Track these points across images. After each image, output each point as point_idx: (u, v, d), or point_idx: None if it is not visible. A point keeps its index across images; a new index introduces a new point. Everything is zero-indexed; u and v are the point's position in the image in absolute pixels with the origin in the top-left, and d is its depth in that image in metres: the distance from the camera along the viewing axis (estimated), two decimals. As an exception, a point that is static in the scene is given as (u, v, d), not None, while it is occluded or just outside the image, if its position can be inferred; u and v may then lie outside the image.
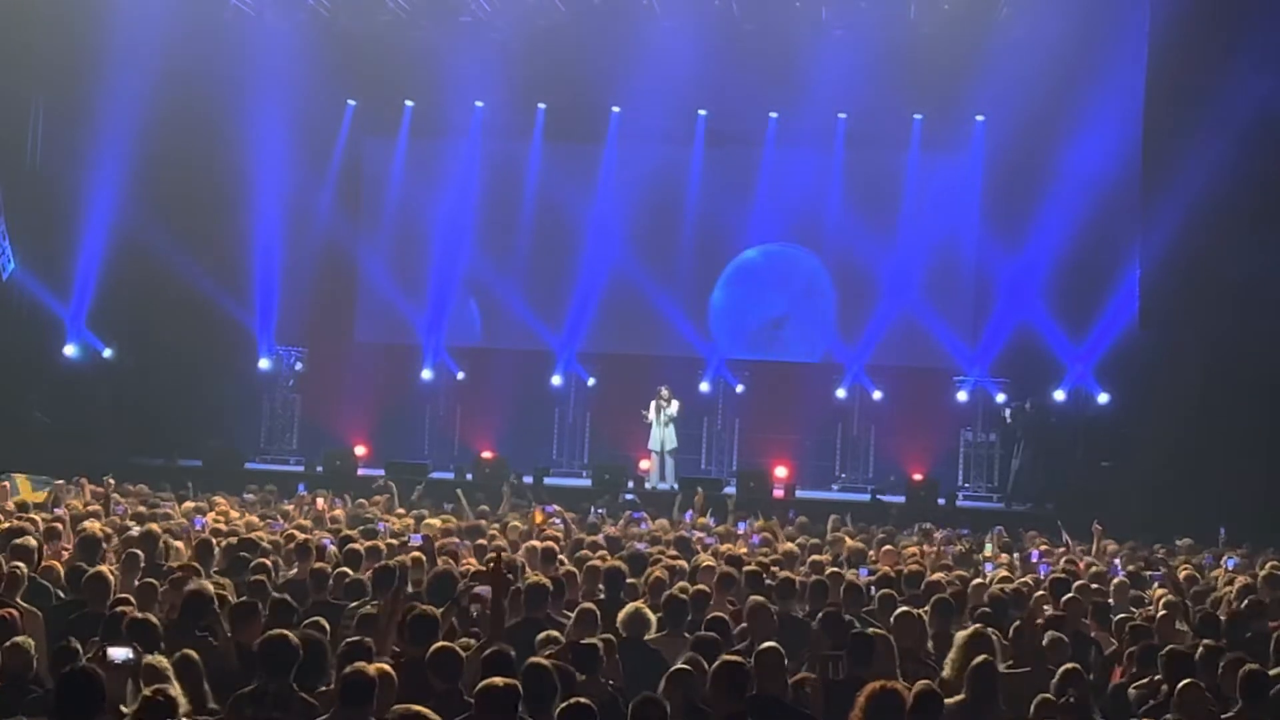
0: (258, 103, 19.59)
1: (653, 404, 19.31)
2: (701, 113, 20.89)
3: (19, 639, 5.97)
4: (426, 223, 21.34)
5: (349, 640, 6.26)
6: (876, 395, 20.57)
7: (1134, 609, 9.13)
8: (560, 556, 9.81)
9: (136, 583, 7.87)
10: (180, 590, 7.11)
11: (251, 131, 19.72)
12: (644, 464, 19.58)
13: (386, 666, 5.85)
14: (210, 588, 7.01)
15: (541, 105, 21.01)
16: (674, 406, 19.35)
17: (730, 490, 16.68)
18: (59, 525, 10.04)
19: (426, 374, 21.13)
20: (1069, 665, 6.60)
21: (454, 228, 21.29)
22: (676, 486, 18.59)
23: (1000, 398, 20.09)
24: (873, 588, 8.98)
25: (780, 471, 19.78)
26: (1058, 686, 6.36)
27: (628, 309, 20.89)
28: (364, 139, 21.64)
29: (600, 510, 14.92)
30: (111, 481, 12.96)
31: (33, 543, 8.47)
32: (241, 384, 21.08)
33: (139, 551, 8.69)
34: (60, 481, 13.35)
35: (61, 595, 7.87)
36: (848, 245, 20.69)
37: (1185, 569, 11.07)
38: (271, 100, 19.63)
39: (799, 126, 20.51)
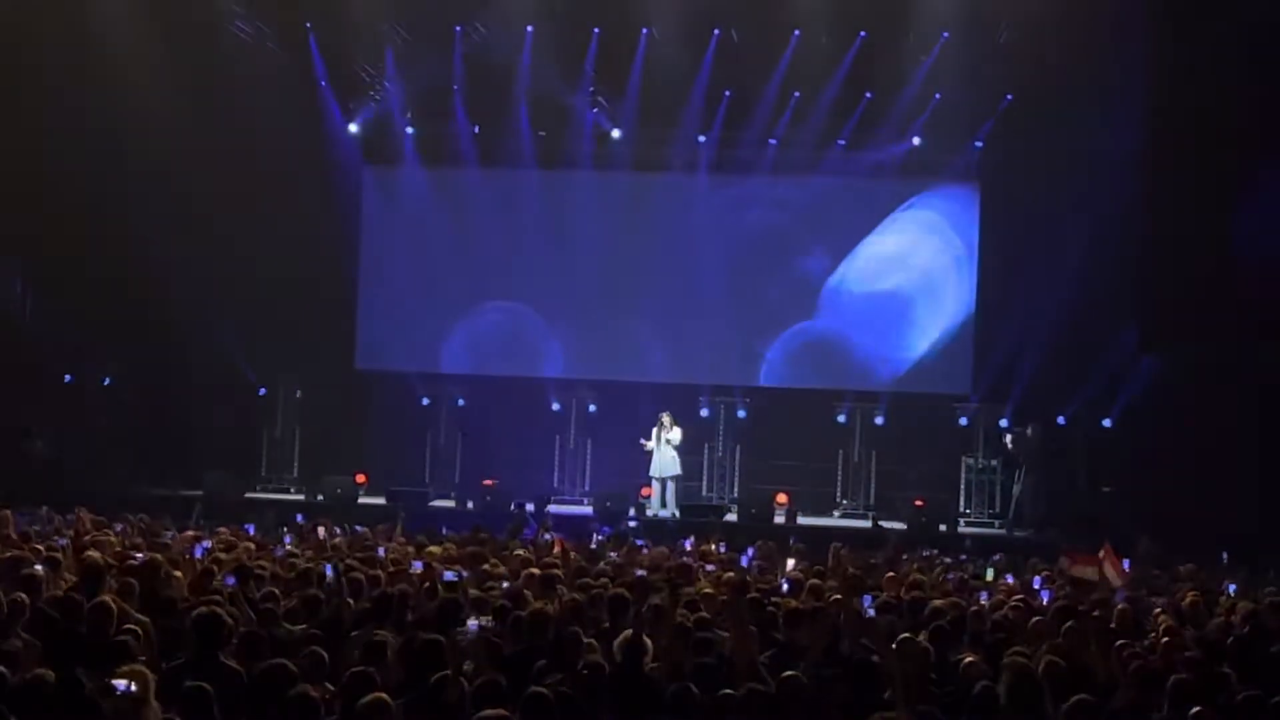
0: (257, 123, 19.65)
1: (654, 431, 19.32)
2: (702, 139, 20.94)
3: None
4: (427, 250, 21.45)
5: (353, 671, 6.27)
6: (878, 420, 20.56)
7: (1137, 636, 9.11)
8: (561, 586, 9.81)
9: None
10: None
11: (250, 154, 19.80)
12: (645, 491, 19.60)
13: (385, 697, 5.86)
14: (221, 613, 7.00)
15: (541, 132, 21.03)
16: (676, 434, 19.39)
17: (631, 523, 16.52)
18: (59, 555, 10.03)
19: (425, 401, 21.18)
20: (1079, 698, 6.55)
21: (455, 255, 21.41)
22: (678, 514, 18.65)
23: (1002, 423, 20.04)
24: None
25: (781, 498, 19.82)
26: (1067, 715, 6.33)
27: (631, 336, 21.05)
28: (364, 166, 21.62)
29: (603, 535, 14.97)
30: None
31: (39, 572, 8.47)
32: (241, 412, 21.12)
33: (134, 581, 8.68)
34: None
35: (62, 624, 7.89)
36: (845, 268, 20.77)
37: (1189, 595, 11.07)
38: (271, 123, 19.71)
39: (794, 154, 20.67)
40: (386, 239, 21.65)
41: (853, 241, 21.08)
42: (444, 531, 14.53)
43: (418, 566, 10.57)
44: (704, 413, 20.92)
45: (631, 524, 16.99)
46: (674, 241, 21.24)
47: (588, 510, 18.97)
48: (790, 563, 12.17)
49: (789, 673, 6.58)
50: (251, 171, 19.88)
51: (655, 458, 19.43)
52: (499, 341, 21.58)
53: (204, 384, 20.67)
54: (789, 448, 20.84)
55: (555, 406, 21.08)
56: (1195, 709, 6.32)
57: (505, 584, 10.03)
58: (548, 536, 13.47)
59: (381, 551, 11.66)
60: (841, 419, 20.78)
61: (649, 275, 21.21)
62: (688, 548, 14.20)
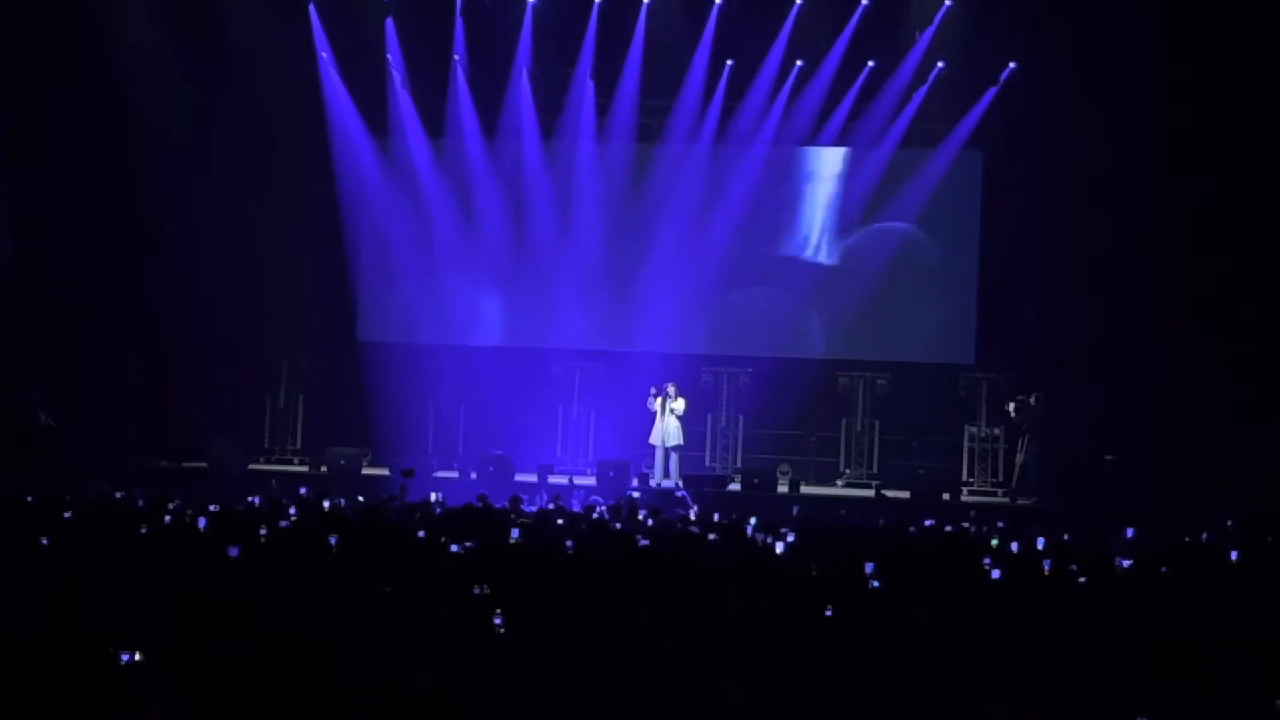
0: (258, 93, 19.65)
1: (658, 400, 19.28)
2: (703, 108, 20.93)
3: None
4: (429, 221, 21.44)
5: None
6: (880, 382, 20.52)
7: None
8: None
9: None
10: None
11: (251, 124, 19.82)
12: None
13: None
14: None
15: (543, 102, 21.07)
16: (680, 404, 19.36)
17: (635, 494, 16.64)
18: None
19: (430, 372, 21.22)
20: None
21: (457, 226, 21.41)
22: (680, 484, 18.65)
23: (1004, 391, 20.03)
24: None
25: (784, 468, 19.81)
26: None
27: (634, 306, 21.09)
28: (366, 136, 21.56)
29: (598, 500, 15.10)
30: None
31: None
32: (243, 383, 21.10)
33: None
34: None
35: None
36: (849, 238, 20.79)
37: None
38: (272, 94, 19.67)
39: (796, 123, 20.69)
40: (388, 210, 21.57)
41: (856, 210, 21.01)
42: (440, 499, 14.59)
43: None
44: (706, 383, 20.90)
45: (634, 494, 16.90)
46: (676, 211, 21.18)
47: (591, 482, 18.93)
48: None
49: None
50: (253, 141, 19.83)
51: (658, 426, 19.41)
52: (502, 312, 21.62)
53: (207, 353, 20.66)
54: (792, 418, 20.82)
55: (558, 377, 21.07)
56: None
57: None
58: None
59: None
60: (845, 388, 20.76)
61: (652, 245, 21.18)
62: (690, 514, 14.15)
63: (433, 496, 14.94)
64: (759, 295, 21.24)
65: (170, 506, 12.61)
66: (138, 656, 5.71)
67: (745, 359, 21.11)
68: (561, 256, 21.37)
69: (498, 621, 7.28)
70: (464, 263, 21.60)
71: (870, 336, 20.99)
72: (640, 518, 13.86)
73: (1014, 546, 11.91)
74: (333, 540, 9.89)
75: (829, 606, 7.98)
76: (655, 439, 19.50)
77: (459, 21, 20.42)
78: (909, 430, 20.75)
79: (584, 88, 20.83)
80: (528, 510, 14.03)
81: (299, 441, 21.33)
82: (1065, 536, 13.22)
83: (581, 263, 21.36)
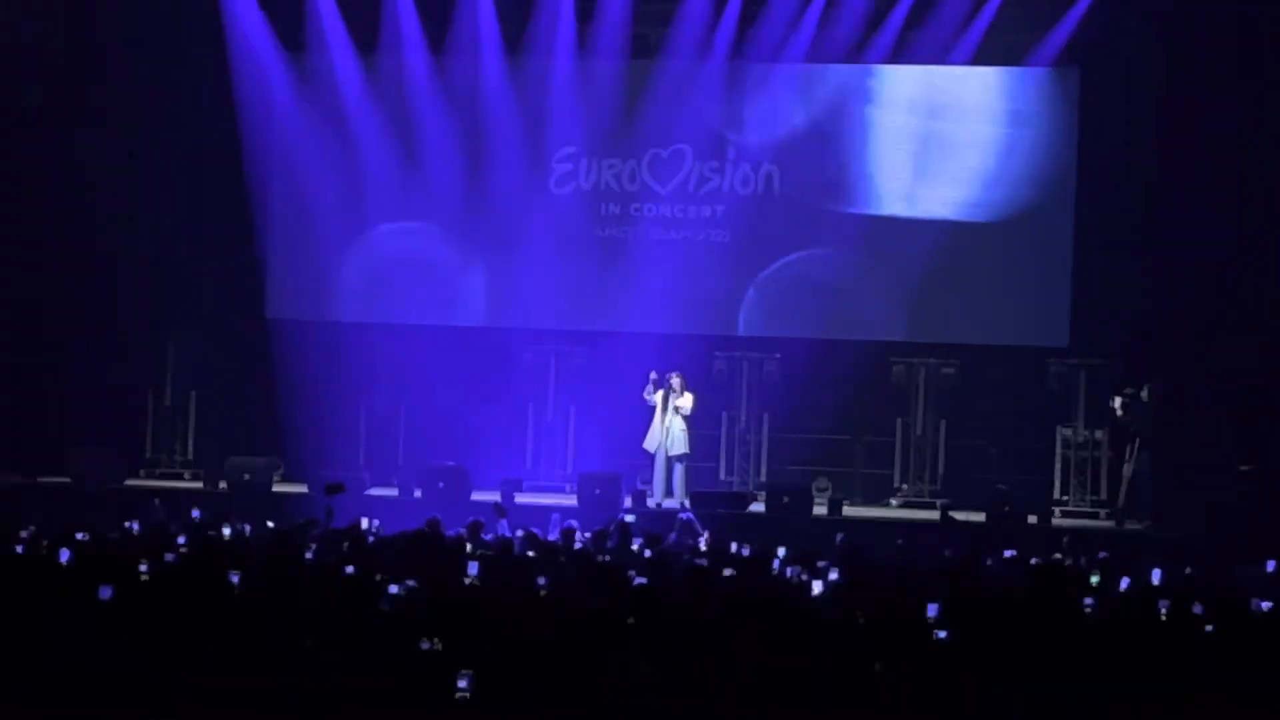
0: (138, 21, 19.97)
1: (659, 393, 19.31)
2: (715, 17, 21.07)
3: None
4: (360, 166, 21.58)
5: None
6: (947, 371, 20.62)
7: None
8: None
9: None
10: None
11: (129, 60, 20.30)
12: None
13: None
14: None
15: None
16: (687, 401, 19.39)
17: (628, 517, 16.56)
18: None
19: (359, 359, 21.31)
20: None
21: (398, 172, 21.56)
22: (686, 504, 18.70)
23: (1108, 383, 20.05)
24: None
25: (821, 483, 19.93)
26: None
27: (627, 273, 21.25)
28: (277, 55, 21.66)
29: (572, 524, 15.08)
30: None
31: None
32: (117, 377, 21.17)
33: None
34: None
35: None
36: (907, 182, 20.98)
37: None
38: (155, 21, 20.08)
39: (834, 35, 20.89)
40: (306, 150, 21.63)
41: (911, 149, 21.06)
42: (375, 527, 14.59)
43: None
44: (721, 372, 20.93)
45: (627, 517, 16.87)
46: (680, 148, 21.28)
47: (571, 502, 19.01)
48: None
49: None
50: (132, 75, 20.32)
51: (657, 428, 19.44)
52: (455, 281, 21.73)
53: (73, 341, 20.77)
54: (833, 417, 20.89)
55: (528, 365, 21.19)
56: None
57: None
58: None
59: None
60: (901, 379, 20.79)
61: (649, 193, 21.35)
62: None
63: (365, 522, 14.97)
64: (790, 258, 21.28)
65: (23, 535, 12.54)
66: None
67: (772, 341, 21.16)
68: (532, 207, 21.43)
69: (463, 685, 7.29)
70: (404, 216, 21.68)
71: (935, 312, 21.06)
72: (635, 548, 13.92)
73: (1122, 584, 11.93)
74: (234, 579, 9.87)
75: (880, 664, 7.98)
76: (653, 444, 19.51)
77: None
78: (984, 433, 20.78)
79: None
80: (489, 539, 14.06)
81: (189, 450, 21.35)
82: (1187, 570, 13.23)
83: (558, 216, 21.46)
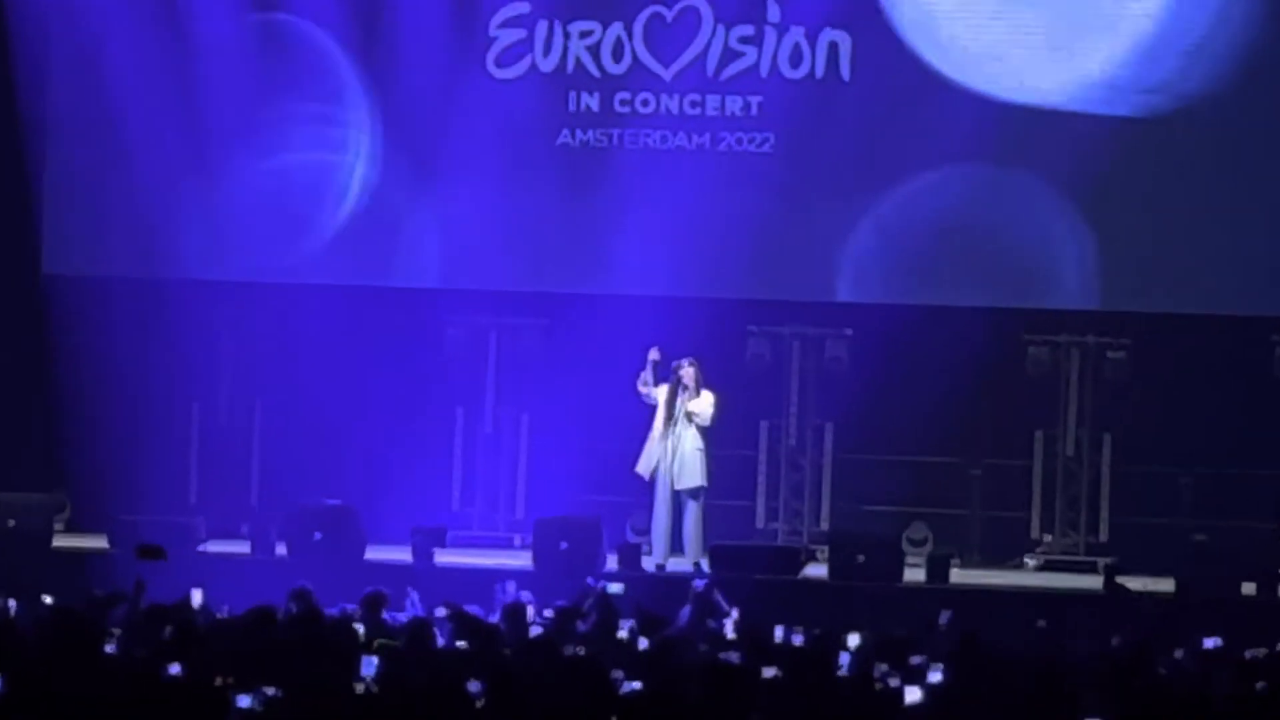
0: None
1: (661, 389, 19.13)
2: None
3: None
4: (187, 40, 21.75)
5: None
6: (1114, 355, 20.60)
7: None
8: None
9: None
10: None
11: None
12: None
13: None
14: None
15: None
16: (704, 404, 19.24)
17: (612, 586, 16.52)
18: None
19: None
20: None
21: (247, 45, 21.81)
22: (706, 565, 18.69)
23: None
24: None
25: (918, 531, 20.09)
26: None
27: (611, 200, 21.44)
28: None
29: (524, 597, 15.23)
30: None
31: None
32: None
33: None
34: None
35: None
36: (1032, 77, 21.13)
37: None
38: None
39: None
40: (115, 45, 21.70)
41: (1041, 21, 20.99)
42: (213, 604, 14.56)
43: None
44: (759, 358, 20.99)
45: (611, 586, 16.67)
46: (692, 3, 21.37)
47: (522, 562, 18.98)
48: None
49: None
50: None
51: (657, 443, 19.23)
52: (342, 222, 21.86)
53: None
54: (934, 430, 21.01)
55: (457, 346, 21.26)
56: None
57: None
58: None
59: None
60: (1042, 368, 20.80)
61: (644, 80, 21.49)
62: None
63: (197, 596, 14.90)
64: (855, 186, 21.28)
65: None
66: None
67: (840, 309, 21.33)
68: (459, 103, 21.59)
69: None
70: (261, 123, 21.87)
71: (1083, 267, 21.02)
72: (623, 634, 13.90)
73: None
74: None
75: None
76: (648, 467, 19.34)
77: None
78: (1173, 454, 20.85)
79: None
80: (395, 622, 14.10)
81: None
82: None
83: (501, 115, 21.64)
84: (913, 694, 10.86)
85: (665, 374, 19.24)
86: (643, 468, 19.35)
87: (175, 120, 21.74)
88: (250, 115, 21.89)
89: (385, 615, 14.27)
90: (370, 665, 11.11)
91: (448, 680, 10.49)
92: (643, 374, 19.21)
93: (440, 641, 12.87)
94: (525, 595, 15.79)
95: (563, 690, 10.32)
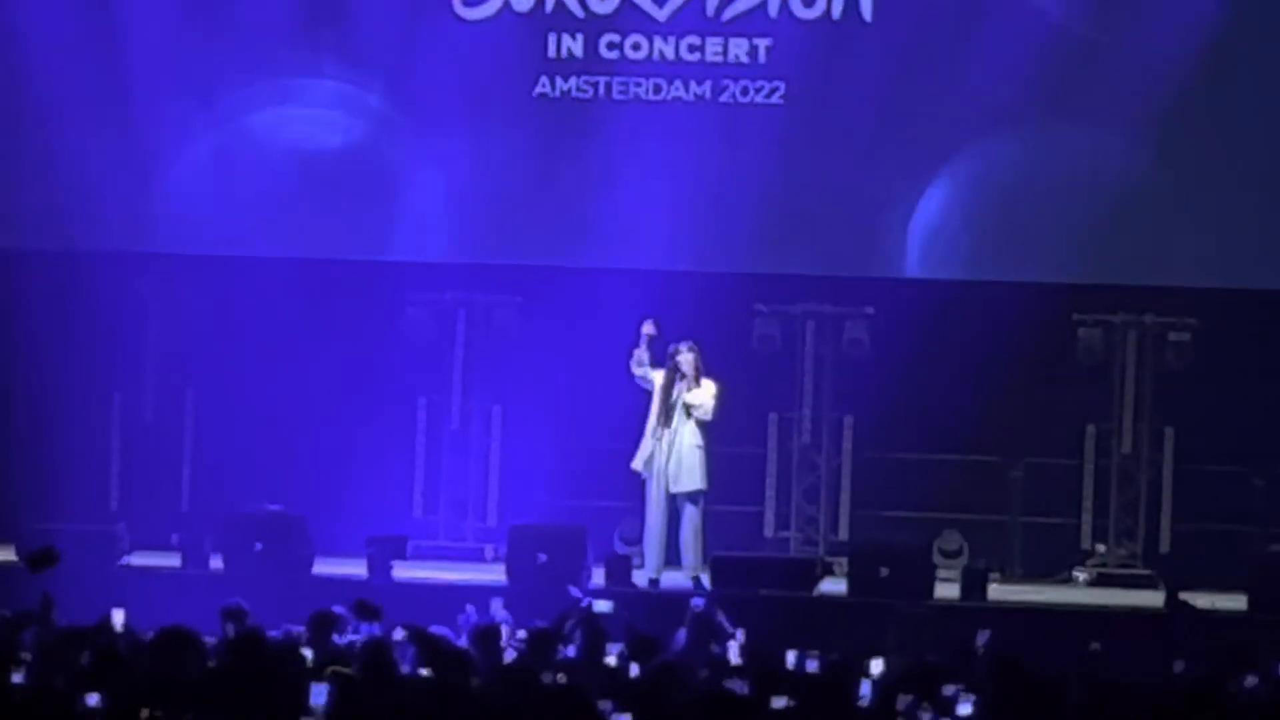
0: None
1: (659, 373, 19.13)
2: None
3: None
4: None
5: None
6: (1176, 337, 20.63)
7: None
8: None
9: None
10: None
11: None
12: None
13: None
14: None
15: None
16: (705, 395, 19.23)
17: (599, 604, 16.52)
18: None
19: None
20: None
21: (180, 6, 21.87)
22: (703, 579, 18.70)
23: None
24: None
25: (951, 540, 20.09)
26: None
27: (599, 156, 21.51)
28: None
29: (507, 620, 15.35)
30: None
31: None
32: None
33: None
34: None
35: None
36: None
37: None
38: None
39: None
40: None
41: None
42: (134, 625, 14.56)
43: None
44: (767, 340, 21.06)
45: (597, 604, 16.69)
46: None
47: (495, 576, 19.04)
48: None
49: None
50: None
51: (656, 441, 19.18)
52: (288, 186, 21.91)
53: None
54: (969, 424, 21.08)
55: (417, 328, 21.34)
56: None
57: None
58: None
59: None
60: (1094, 352, 20.82)
61: (634, 21, 21.51)
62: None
63: (119, 616, 14.92)
64: (882, 144, 21.36)
65: None
66: None
67: (861, 284, 21.38)
68: (422, 49, 21.61)
69: None
70: (191, 75, 21.90)
71: (1156, 239, 21.15)
72: (611, 660, 13.93)
73: None
74: None
75: None
76: (644, 463, 19.33)
77: None
78: (1245, 447, 20.93)
79: None
80: (346, 643, 14.12)
81: None
82: None
83: (469, 63, 21.67)
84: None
85: (661, 353, 19.30)
86: (640, 463, 19.42)
87: (96, 80, 21.81)
88: (178, 69, 21.89)
89: (337, 639, 14.24)
90: (320, 693, 11.10)
91: (409, 714, 10.60)
92: (636, 352, 19.13)
93: (402, 669, 12.88)
94: (501, 615, 15.85)
95: (541, 721, 10.44)
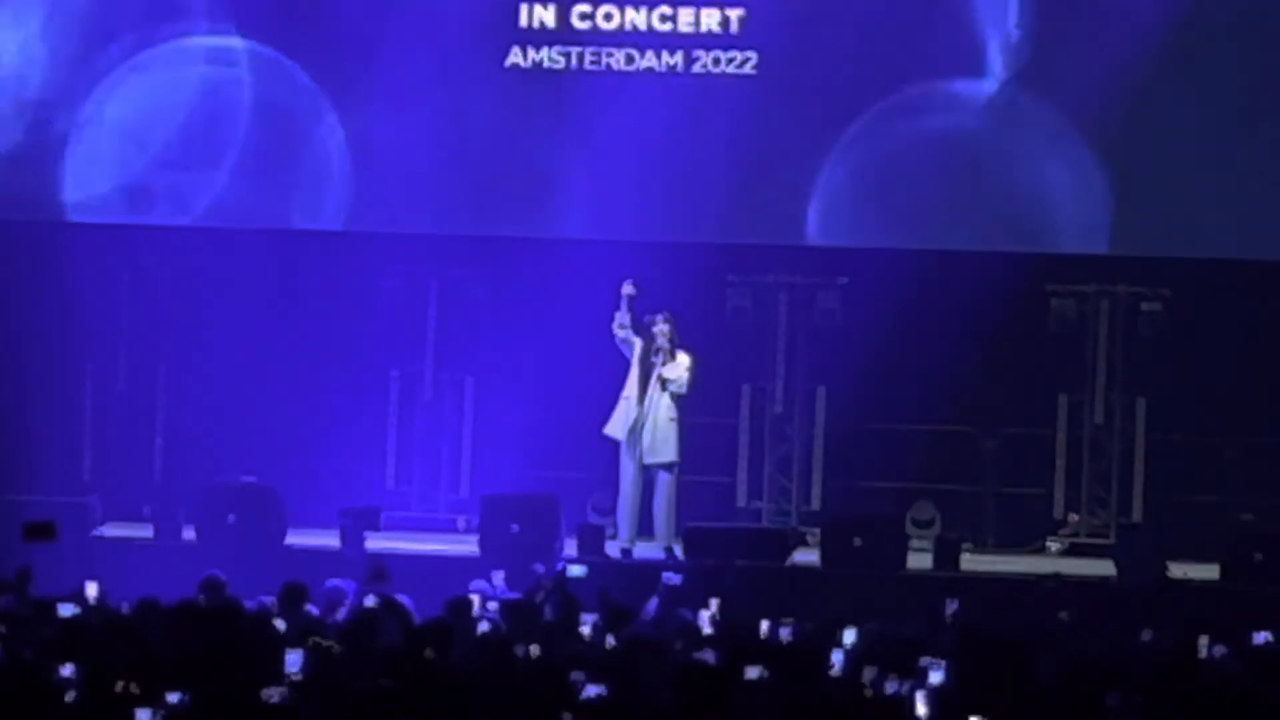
0: None
1: (636, 342, 19.24)
2: None
3: None
4: None
5: None
6: (1148, 307, 20.63)
7: None
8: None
9: None
10: None
11: None
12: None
13: None
14: None
15: None
16: (680, 368, 19.33)
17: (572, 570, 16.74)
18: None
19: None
20: None
21: None
22: (676, 549, 18.79)
23: None
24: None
25: (924, 510, 20.25)
26: None
27: (574, 123, 21.56)
28: None
29: (485, 588, 15.44)
30: None
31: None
32: None
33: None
34: None
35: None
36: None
37: None
38: None
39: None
40: None
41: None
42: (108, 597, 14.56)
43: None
44: (740, 311, 21.14)
45: (571, 570, 16.82)
46: None
47: (468, 548, 19.15)
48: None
49: None
50: None
51: (630, 405, 19.33)
52: (257, 152, 21.85)
53: None
54: (942, 394, 21.14)
55: (390, 299, 21.46)
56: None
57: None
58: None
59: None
60: (1066, 323, 20.91)
61: (605, 13, 21.50)
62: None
63: (92, 588, 14.97)
64: (852, 104, 21.27)
65: None
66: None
67: (835, 254, 21.43)
68: (389, 20, 21.57)
69: None
70: (142, 33, 21.80)
71: (1122, 210, 21.06)
72: (585, 630, 14.06)
73: None
74: None
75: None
76: (621, 429, 19.44)
77: None
78: (1217, 417, 21.05)
79: None
80: (323, 615, 14.21)
81: None
82: None
83: (440, 33, 21.60)
84: (918, 701, 10.87)
85: (642, 321, 19.28)
86: (614, 429, 19.50)
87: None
88: (129, 26, 21.81)
89: (308, 608, 14.32)
90: (293, 662, 11.08)
91: (385, 682, 10.54)
92: (618, 315, 19.19)
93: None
94: (482, 585, 15.91)
95: (515, 694, 10.52)
